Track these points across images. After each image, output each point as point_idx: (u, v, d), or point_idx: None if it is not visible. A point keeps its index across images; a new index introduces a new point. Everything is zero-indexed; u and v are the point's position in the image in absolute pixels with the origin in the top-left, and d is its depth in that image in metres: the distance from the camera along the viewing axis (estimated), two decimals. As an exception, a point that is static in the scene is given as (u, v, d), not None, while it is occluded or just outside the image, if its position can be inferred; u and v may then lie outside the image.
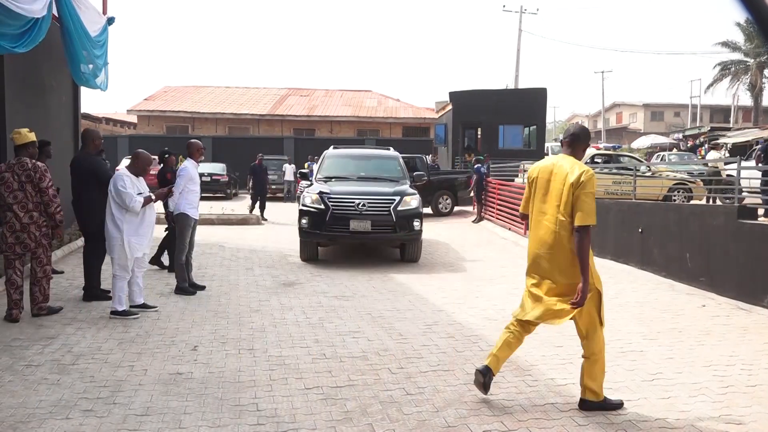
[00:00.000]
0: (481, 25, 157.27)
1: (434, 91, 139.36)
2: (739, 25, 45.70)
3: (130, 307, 6.49)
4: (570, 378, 4.81)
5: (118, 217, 6.26)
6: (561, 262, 4.07)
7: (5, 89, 9.57)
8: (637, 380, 4.78)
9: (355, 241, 10.25)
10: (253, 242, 12.55)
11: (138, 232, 6.37)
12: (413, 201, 9.87)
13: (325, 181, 10.44)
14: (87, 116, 28.71)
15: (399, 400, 4.33)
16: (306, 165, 24.98)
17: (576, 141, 4.20)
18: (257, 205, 17.24)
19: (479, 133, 25.22)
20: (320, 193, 9.72)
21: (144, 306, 6.63)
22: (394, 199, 9.70)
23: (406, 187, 10.28)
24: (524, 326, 4.28)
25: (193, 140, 7.87)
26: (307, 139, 31.46)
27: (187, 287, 7.54)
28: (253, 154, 25.66)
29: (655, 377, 4.85)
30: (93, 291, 7.08)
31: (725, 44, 46.16)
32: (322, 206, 9.54)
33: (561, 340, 5.87)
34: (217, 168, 24.98)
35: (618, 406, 4.19)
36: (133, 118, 35.93)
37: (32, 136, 6.41)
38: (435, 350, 5.48)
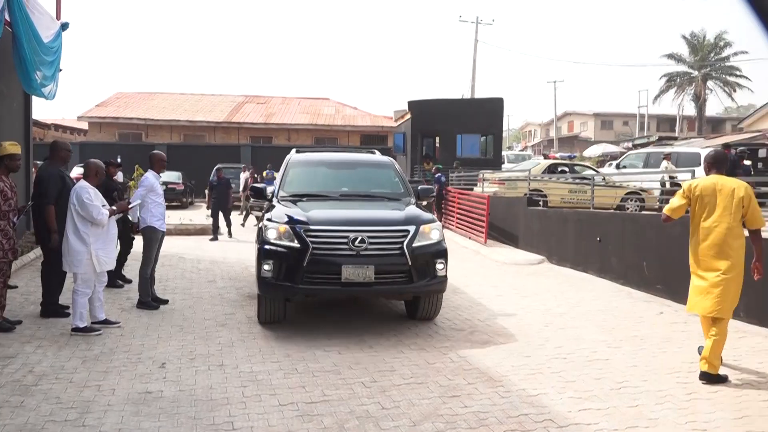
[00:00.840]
0: (439, 35, 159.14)
1: (392, 100, 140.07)
2: (684, 38, 47.60)
3: (92, 323, 6.31)
4: (540, 388, 4.90)
5: (83, 231, 6.11)
6: (727, 255, 5.07)
7: (-45, 97, 9.23)
8: (605, 389, 4.90)
9: (348, 295, 6.86)
10: (213, 253, 12.36)
11: (105, 246, 6.26)
12: (434, 232, 6.57)
13: (294, 202, 7.01)
14: (35, 123, 27.77)
15: (375, 414, 4.33)
16: (265, 174, 24.74)
17: (717, 163, 5.35)
18: (221, 222, 15.32)
19: (437, 141, 25.47)
20: (292, 222, 6.29)
21: (106, 322, 6.45)
22: (408, 230, 6.36)
23: (417, 209, 7.00)
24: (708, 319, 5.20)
25: (155, 151, 7.72)
26: (264, 146, 31.15)
27: (149, 302, 7.37)
28: (210, 163, 25.30)
29: (621, 385, 4.98)
30: (51, 307, 6.85)
31: (671, 56, 47.97)
32: (296, 244, 6.11)
33: (529, 350, 5.97)
34: (173, 176, 24.49)
35: (724, 379, 5.07)
36: (84, 125, 34.93)
37: (9, 149, 6.29)
38: (407, 362, 5.51)
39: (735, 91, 47.37)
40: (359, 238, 6.13)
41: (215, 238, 14.76)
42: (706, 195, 5.18)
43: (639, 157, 20.66)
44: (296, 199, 7.18)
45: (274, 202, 7.16)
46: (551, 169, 17.45)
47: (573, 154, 20.10)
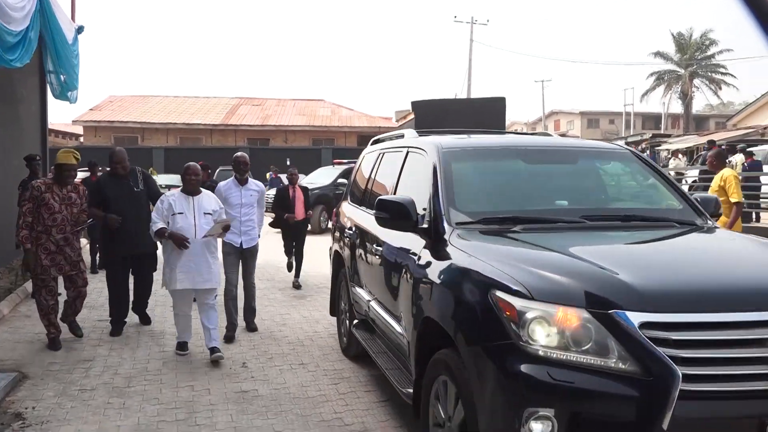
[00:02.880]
0: (433, 36, 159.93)
1: (387, 101, 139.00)
2: (672, 35, 48.33)
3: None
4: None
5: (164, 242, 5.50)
6: None
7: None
8: None
9: None
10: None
11: (181, 261, 5.30)
12: None
13: (499, 234, 3.35)
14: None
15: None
16: (268, 176, 24.66)
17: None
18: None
19: (440, 141, 25.54)
20: (597, 302, 2.49)
21: (212, 350, 5.44)
22: None
23: None
24: None
25: (237, 153, 6.50)
26: (262, 149, 31.10)
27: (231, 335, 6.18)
28: (210, 165, 25.17)
29: None
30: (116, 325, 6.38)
31: (659, 54, 48.68)
32: (630, 365, 2.40)
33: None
34: (174, 179, 24.38)
35: None
36: (77, 129, 34.61)
37: (59, 158, 5.71)
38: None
39: (720, 88, 48.25)
40: None
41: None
42: None
43: None
44: (494, 228, 3.45)
45: (448, 234, 3.41)
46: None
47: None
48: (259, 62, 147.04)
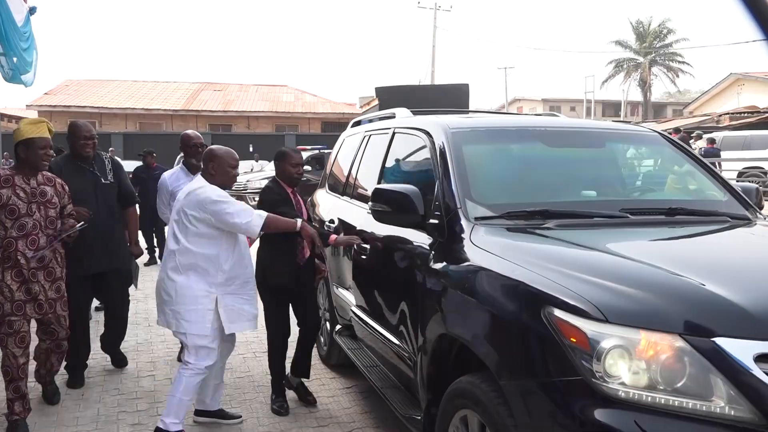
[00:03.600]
0: (397, 21, 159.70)
1: (351, 87, 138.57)
2: (631, 24, 49.26)
3: (197, 412, 3.93)
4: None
5: (200, 257, 3.56)
6: None
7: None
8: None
9: None
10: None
11: (229, 280, 3.64)
12: None
13: (535, 233, 2.76)
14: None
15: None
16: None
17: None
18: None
19: (404, 127, 25.55)
20: (701, 328, 1.90)
21: (221, 415, 3.95)
22: None
23: None
24: None
25: (187, 131, 5.25)
26: (224, 135, 30.68)
27: None
28: (169, 152, 24.58)
29: None
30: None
31: (618, 43, 49.56)
32: (747, 413, 1.78)
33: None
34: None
35: None
36: (32, 114, 33.59)
37: (26, 131, 3.76)
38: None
39: (678, 76, 49.46)
40: None
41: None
42: None
43: None
44: (521, 224, 2.89)
45: (467, 231, 2.81)
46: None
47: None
48: (220, 46, 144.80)
